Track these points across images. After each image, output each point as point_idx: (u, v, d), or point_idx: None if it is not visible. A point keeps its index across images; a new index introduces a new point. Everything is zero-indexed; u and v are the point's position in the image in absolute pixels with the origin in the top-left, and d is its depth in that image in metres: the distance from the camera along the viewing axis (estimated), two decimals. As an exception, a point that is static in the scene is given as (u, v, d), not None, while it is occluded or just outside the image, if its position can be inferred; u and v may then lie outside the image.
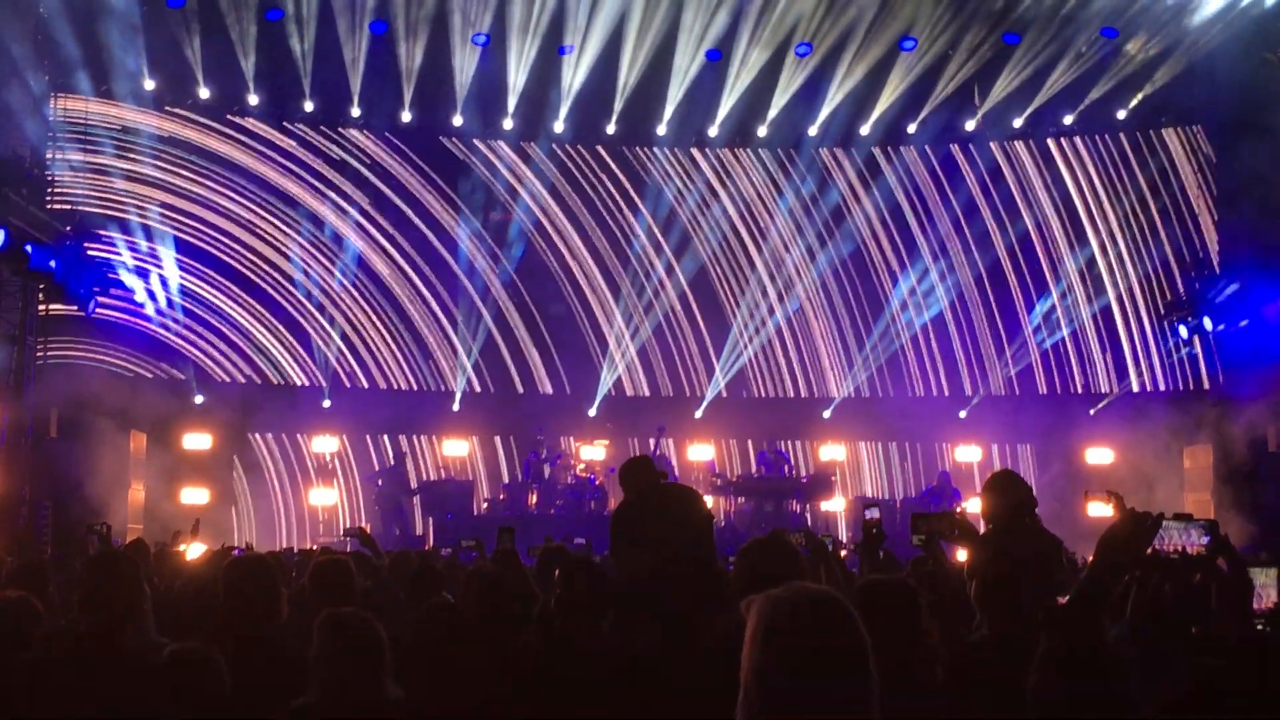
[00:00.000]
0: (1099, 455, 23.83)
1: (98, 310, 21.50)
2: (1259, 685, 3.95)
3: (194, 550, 11.57)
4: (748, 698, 2.82)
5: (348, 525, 22.72)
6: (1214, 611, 4.68)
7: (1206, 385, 23.34)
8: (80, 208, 22.10)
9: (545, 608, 5.78)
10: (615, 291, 26.22)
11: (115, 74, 22.13)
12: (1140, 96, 23.55)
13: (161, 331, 23.60)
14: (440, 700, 5.34)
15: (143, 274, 23.11)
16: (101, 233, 22.36)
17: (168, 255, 23.41)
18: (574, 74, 23.44)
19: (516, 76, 23.41)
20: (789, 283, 26.30)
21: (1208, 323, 21.58)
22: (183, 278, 23.82)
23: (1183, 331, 22.36)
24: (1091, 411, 24.87)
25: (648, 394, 26.56)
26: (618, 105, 24.04)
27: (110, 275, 22.05)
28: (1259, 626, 4.59)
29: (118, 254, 22.67)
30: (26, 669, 5.35)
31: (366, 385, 25.57)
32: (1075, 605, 3.15)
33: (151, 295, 23.29)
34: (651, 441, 23.67)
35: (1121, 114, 23.96)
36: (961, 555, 6.81)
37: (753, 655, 2.83)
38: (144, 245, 23.14)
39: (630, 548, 4.74)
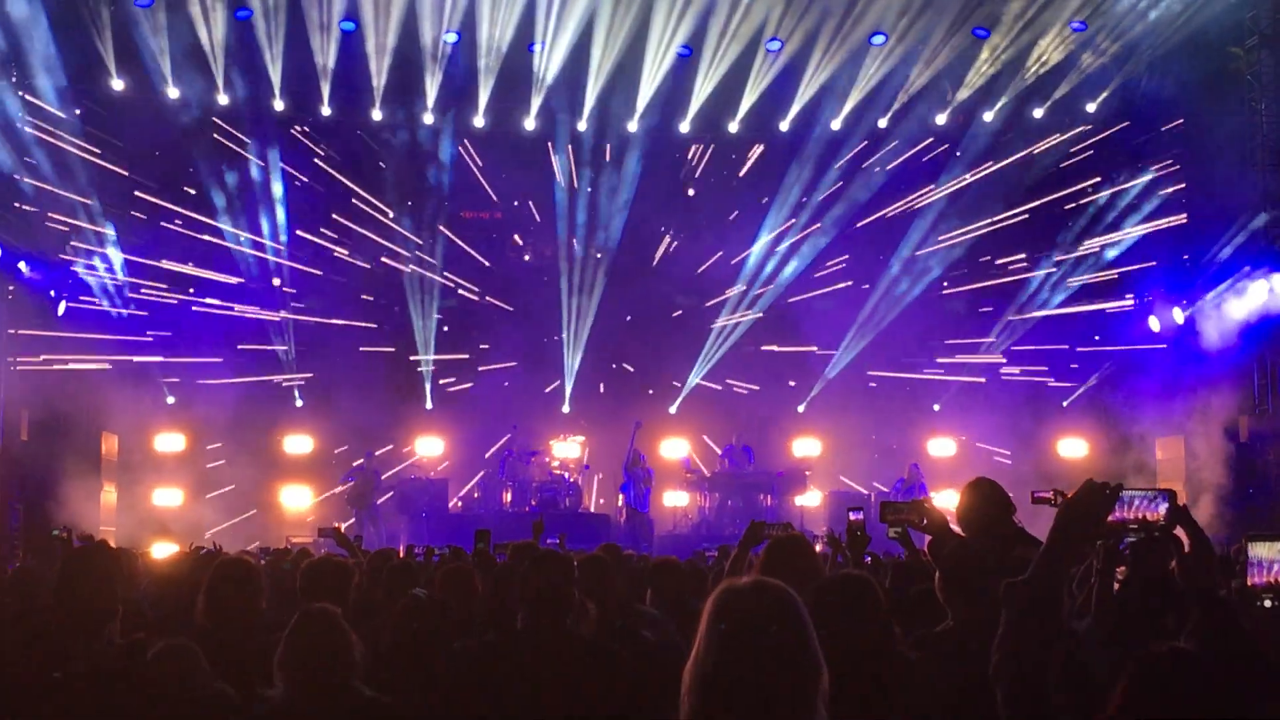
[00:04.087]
0: (1072, 447, 23.94)
1: (68, 311, 21.44)
2: (1235, 669, 3.95)
3: (162, 550, 11.53)
4: (693, 670, 2.96)
5: (321, 525, 22.56)
6: (1180, 593, 4.68)
7: (1179, 376, 23.39)
8: (47, 210, 21.80)
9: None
10: (590, 287, 26.15)
11: (82, 73, 21.90)
12: (1109, 89, 23.63)
13: (131, 336, 23.29)
14: (421, 693, 5.34)
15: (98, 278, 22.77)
16: (72, 242, 22.18)
17: (115, 258, 23.02)
18: (545, 69, 23.28)
19: (486, 73, 23.25)
20: (772, 276, 26.22)
21: (1178, 314, 21.69)
22: (145, 281, 23.54)
23: (1153, 323, 22.46)
24: (1065, 404, 24.96)
25: (621, 390, 26.50)
26: (589, 102, 23.86)
27: (78, 277, 21.94)
28: (1267, 603, 4.53)
29: (83, 258, 22.43)
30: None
31: (337, 384, 25.41)
32: (1034, 578, 3.15)
33: (108, 296, 22.94)
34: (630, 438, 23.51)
35: (1091, 106, 23.99)
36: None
37: (700, 635, 2.98)
38: (97, 246, 22.73)
39: None
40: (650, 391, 26.53)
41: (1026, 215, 24.94)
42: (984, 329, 25.72)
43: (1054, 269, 24.92)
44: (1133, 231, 23.70)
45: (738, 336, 26.20)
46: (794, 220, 25.75)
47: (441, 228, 25.83)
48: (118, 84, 22.28)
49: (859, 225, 25.57)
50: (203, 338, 24.10)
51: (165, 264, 23.84)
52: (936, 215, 25.28)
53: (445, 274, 26.06)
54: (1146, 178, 23.49)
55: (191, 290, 24.18)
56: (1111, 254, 24.22)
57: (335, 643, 4.86)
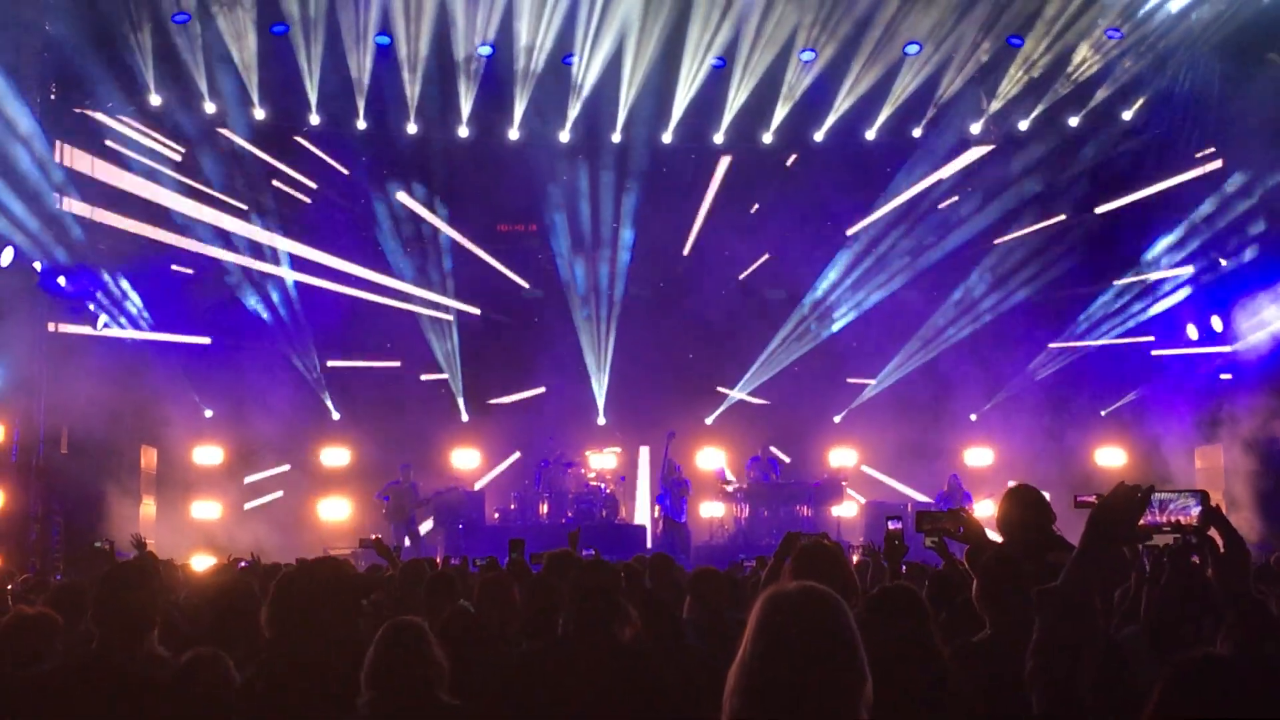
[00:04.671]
0: (1110, 456, 23.77)
1: (107, 326, 21.57)
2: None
3: (203, 563, 11.60)
4: (738, 671, 2.98)
5: (361, 537, 22.49)
6: (1215, 594, 4.63)
7: (1217, 384, 23.17)
8: (85, 225, 21.89)
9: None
10: (625, 298, 26.13)
11: (121, 92, 22.00)
12: (1145, 97, 23.46)
13: (170, 349, 23.35)
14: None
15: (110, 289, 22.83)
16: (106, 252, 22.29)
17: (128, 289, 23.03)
18: (581, 82, 23.30)
19: (523, 85, 23.29)
20: (807, 289, 26.21)
21: (1216, 322, 21.53)
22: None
23: (1191, 331, 22.30)
24: (1103, 413, 24.78)
25: (657, 402, 26.46)
26: (623, 113, 23.86)
27: (117, 291, 22.06)
28: None
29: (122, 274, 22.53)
30: (42, 682, 5.36)
31: (373, 396, 25.46)
32: (1067, 583, 3.14)
33: (145, 311, 23.02)
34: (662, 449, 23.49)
35: (1127, 115, 23.80)
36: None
37: (747, 637, 2.99)
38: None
39: None
40: (687, 403, 26.48)
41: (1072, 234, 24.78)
42: (1031, 351, 25.60)
43: (1107, 296, 24.72)
44: (1177, 273, 23.49)
45: (784, 352, 26.12)
46: (840, 233, 25.80)
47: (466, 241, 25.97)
48: (155, 99, 22.37)
49: (909, 243, 25.52)
50: (240, 350, 24.19)
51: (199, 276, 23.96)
52: (986, 231, 25.24)
53: (479, 285, 26.13)
54: (1183, 178, 23.29)
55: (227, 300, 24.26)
56: (1154, 276, 24.01)
57: (422, 654, 5.03)
